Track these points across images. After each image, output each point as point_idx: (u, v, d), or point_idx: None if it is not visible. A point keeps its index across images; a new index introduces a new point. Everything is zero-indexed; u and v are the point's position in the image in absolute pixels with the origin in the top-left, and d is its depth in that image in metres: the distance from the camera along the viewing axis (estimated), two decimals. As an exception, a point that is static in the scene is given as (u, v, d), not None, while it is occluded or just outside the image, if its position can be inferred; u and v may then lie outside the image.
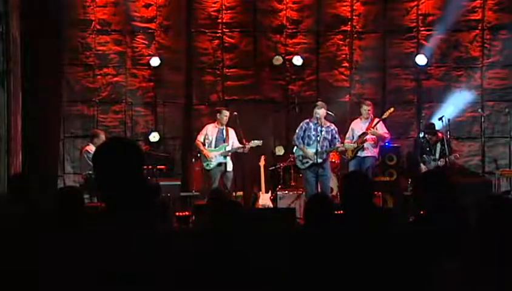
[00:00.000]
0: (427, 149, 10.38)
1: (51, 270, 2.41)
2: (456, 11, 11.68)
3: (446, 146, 10.12)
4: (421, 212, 4.21)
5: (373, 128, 10.21)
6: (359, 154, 10.26)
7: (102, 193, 2.49)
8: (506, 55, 11.85)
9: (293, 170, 11.18)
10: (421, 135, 10.61)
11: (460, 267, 2.73)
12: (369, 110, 10.36)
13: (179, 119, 12.17)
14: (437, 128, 10.53)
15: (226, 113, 10.39)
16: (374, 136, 10.23)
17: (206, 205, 7.52)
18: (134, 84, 11.97)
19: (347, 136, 10.41)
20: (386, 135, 10.37)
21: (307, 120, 10.07)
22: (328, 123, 10.03)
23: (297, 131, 10.12)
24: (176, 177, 11.58)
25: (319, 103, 10.03)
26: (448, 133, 10.44)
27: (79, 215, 4.50)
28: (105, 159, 2.49)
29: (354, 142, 10.27)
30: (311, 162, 9.78)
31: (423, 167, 10.29)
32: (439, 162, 10.15)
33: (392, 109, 10.43)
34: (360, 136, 10.27)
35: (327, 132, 9.91)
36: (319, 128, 9.81)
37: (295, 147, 10.16)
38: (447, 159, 10.04)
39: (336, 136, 9.99)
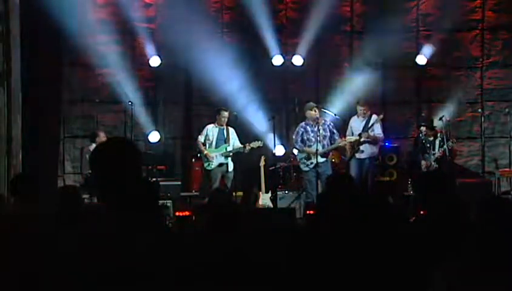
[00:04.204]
0: (428, 145, 10.39)
1: (51, 269, 2.41)
2: (456, 10, 11.68)
3: (444, 138, 10.13)
4: (421, 212, 4.22)
5: (369, 129, 10.22)
6: (358, 156, 10.27)
7: (100, 193, 2.49)
8: (506, 55, 11.85)
9: (293, 170, 11.19)
10: (420, 134, 10.62)
11: (460, 267, 2.74)
12: (363, 109, 10.37)
13: (179, 119, 12.18)
14: (436, 127, 10.55)
15: (225, 114, 10.40)
16: (369, 139, 10.25)
17: (206, 205, 7.51)
18: (134, 84, 11.95)
19: (347, 133, 10.43)
20: (379, 136, 10.38)
21: (303, 123, 10.11)
22: (323, 120, 10.07)
23: (294, 137, 10.18)
24: (176, 177, 11.58)
25: (310, 104, 10.06)
26: (448, 133, 10.45)
27: (77, 214, 4.51)
28: (103, 159, 2.49)
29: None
30: (315, 162, 9.79)
31: (423, 164, 10.30)
32: (438, 153, 10.15)
33: (381, 115, 10.42)
34: (358, 135, 10.27)
35: (324, 129, 9.97)
36: (316, 129, 9.84)
37: (297, 152, 10.17)
38: (445, 147, 10.04)
39: (334, 130, 10.05)
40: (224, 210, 3.94)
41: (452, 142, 10.24)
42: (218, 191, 7.48)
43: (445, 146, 10.06)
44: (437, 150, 10.27)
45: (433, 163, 10.22)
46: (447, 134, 10.32)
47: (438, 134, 10.32)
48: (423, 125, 10.51)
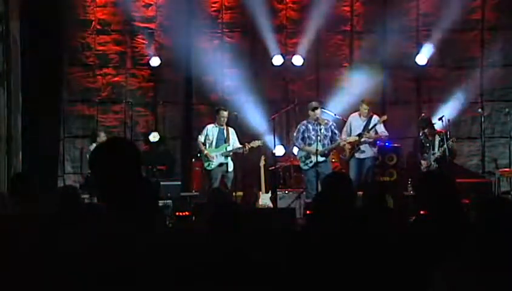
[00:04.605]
0: (427, 145, 10.39)
1: (51, 269, 2.41)
2: (456, 10, 11.66)
3: (444, 138, 10.13)
4: (421, 212, 4.21)
5: (371, 130, 10.22)
6: (357, 155, 10.27)
7: (100, 193, 2.49)
8: (506, 55, 11.84)
9: (293, 170, 11.19)
10: (420, 133, 10.62)
11: (460, 267, 2.74)
12: (368, 109, 10.38)
13: (179, 119, 12.18)
14: (436, 127, 10.54)
15: (224, 114, 10.40)
16: (371, 140, 10.26)
17: (206, 205, 7.51)
18: (134, 84, 11.97)
19: (344, 130, 10.42)
20: (384, 134, 10.38)
21: (305, 121, 10.12)
22: (326, 121, 10.07)
23: (295, 134, 10.20)
24: (176, 177, 11.58)
25: (314, 103, 10.07)
26: (448, 132, 10.45)
27: (77, 214, 4.51)
28: (103, 159, 2.49)
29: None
30: (314, 161, 9.80)
31: (423, 164, 10.29)
32: (438, 153, 10.15)
33: (385, 117, 10.42)
34: (358, 135, 10.25)
35: (326, 129, 9.98)
36: (318, 128, 9.86)
37: (297, 149, 10.18)
38: (445, 147, 10.04)
39: (336, 131, 10.06)
40: (224, 210, 3.94)
41: (452, 141, 10.25)
42: (218, 191, 7.48)
43: (445, 146, 10.07)
44: (436, 149, 10.26)
45: (433, 163, 10.21)
46: (447, 134, 10.32)
47: (438, 134, 10.31)
48: (421, 126, 10.51)
